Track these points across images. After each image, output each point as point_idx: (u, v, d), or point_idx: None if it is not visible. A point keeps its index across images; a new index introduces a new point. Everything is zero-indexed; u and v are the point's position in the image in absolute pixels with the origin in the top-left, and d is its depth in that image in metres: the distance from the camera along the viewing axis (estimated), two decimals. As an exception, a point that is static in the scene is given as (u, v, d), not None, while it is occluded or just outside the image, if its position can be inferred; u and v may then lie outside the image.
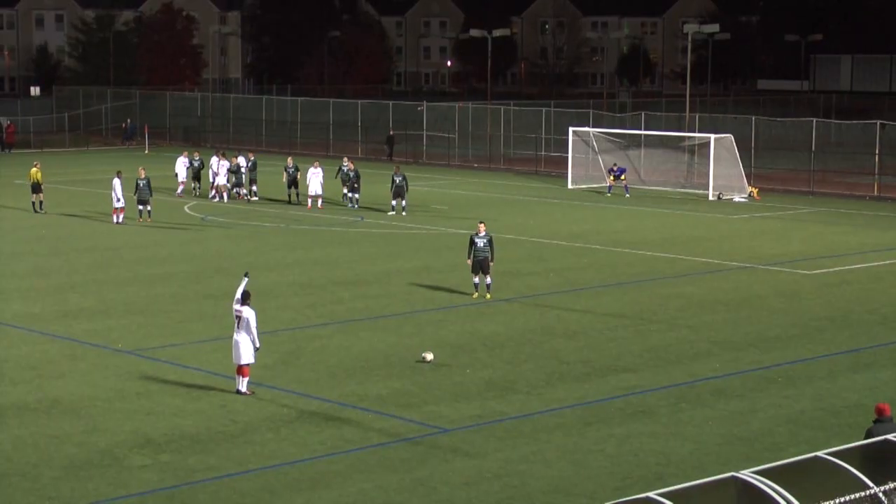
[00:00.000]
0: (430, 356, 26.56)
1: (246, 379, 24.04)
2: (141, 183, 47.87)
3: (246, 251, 41.51)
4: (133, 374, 25.78)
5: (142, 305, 32.51)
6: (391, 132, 77.79)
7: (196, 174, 57.03)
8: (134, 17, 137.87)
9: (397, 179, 50.55)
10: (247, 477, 19.75)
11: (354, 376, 25.62)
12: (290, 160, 55.29)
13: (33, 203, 50.82)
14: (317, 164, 53.36)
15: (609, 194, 58.22)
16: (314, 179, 52.16)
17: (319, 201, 52.34)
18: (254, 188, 55.69)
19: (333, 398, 24.04)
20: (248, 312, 23.79)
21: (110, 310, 31.98)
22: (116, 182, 47.06)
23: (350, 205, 52.47)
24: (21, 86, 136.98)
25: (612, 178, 59.06)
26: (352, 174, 52.42)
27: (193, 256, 40.52)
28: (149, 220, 47.75)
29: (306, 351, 27.70)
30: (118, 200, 46.99)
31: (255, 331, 23.82)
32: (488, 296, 33.50)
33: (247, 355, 23.87)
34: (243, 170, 55.65)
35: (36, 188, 50.77)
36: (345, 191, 52.99)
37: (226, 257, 40.23)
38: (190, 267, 38.42)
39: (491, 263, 33.58)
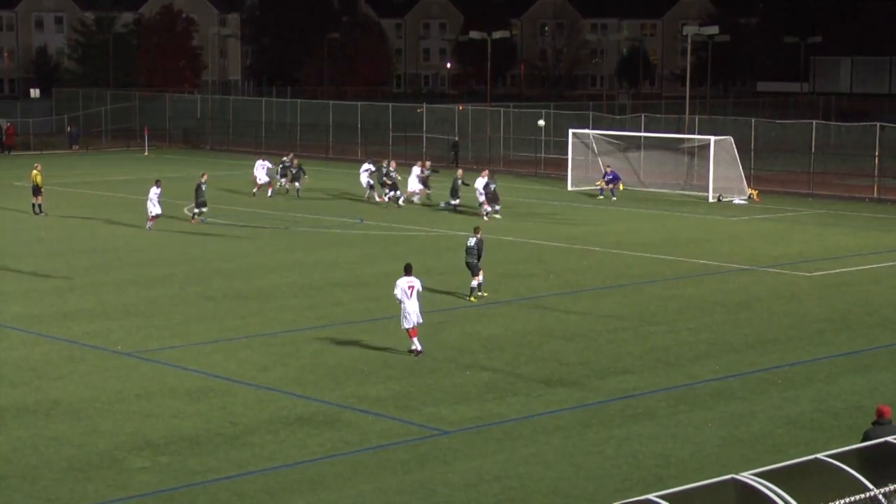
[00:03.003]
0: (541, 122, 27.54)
1: (416, 338, 27.22)
2: (203, 187, 47.99)
3: (245, 252, 41.52)
4: (133, 375, 25.78)
5: (141, 307, 32.51)
6: (456, 138, 76.29)
7: (295, 176, 57.45)
8: (133, 18, 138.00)
9: (493, 186, 50.38)
10: (246, 479, 19.75)
11: (354, 378, 25.63)
12: (392, 163, 55.86)
13: (33, 205, 50.80)
14: (421, 163, 55.74)
15: (601, 197, 58.17)
16: (414, 178, 54.02)
17: (416, 197, 53.63)
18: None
19: (333, 400, 24.05)
20: (417, 283, 27.19)
21: (110, 311, 31.97)
22: (154, 190, 46.12)
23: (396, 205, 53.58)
24: (20, 88, 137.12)
25: (603, 181, 58.99)
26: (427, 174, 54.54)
27: (193, 258, 40.51)
28: (192, 220, 47.79)
29: (305, 353, 27.70)
30: (155, 206, 45.97)
31: (420, 288, 27.40)
32: (477, 296, 33.62)
33: (418, 317, 27.10)
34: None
35: (36, 191, 50.73)
36: (398, 193, 53.74)
37: (225, 259, 40.23)
38: (189, 268, 38.41)
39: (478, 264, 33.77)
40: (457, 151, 75.13)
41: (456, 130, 78.90)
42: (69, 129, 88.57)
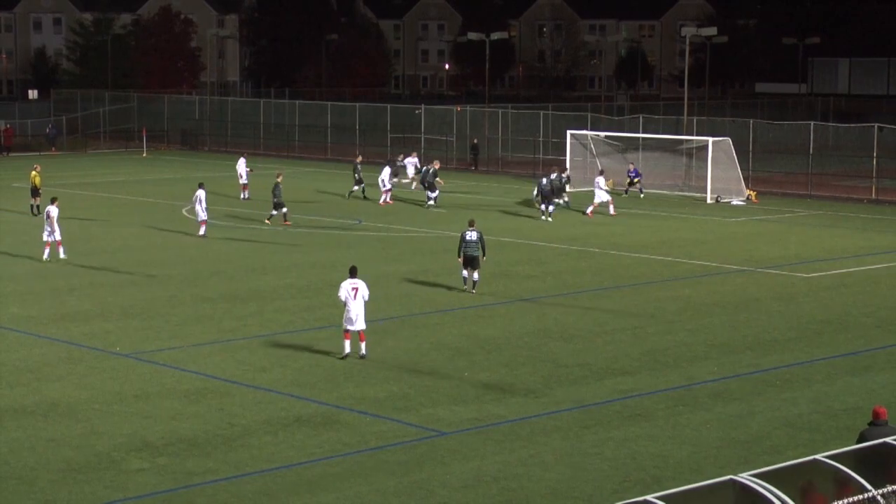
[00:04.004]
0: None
1: (364, 343, 26.99)
2: (280, 187, 48.02)
3: (243, 254, 41.49)
4: (131, 377, 25.77)
5: (139, 308, 32.50)
6: (475, 140, 75.72)
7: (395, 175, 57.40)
8: (132, 20, 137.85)
9: (544, 181, 51.08)
10: (244, 480, 19.74)
11: (352, 379, 25.62)
12: (436, 163, 56.26)
13: (31, 206, 50.75)
14: (558, 168, 55.90)
15: (626, 195, 58.50)
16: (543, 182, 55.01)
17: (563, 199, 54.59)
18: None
19: (331, 401, 24.04)
20: (362, 286, 26.97)
21: (108, 313, 31.96)
22: (201, 193, 44.84)
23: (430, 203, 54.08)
24: (19, 89, 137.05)
25: (627, 181, 59.22)
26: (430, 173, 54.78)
27: (191, 259, 40.48)
28: (286, 222, 47.79)
29: (303, 354, 27.69)
30: (204, 211, 44.68)
31: (367, 293, 27.15)
32: (474, 291, 33.99)
33: (362, 322, 26.86)
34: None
35: (35, 192, 50.67)
36: (429, 193, 54.50)
37: (223, 260, 40.20)
38: (187, 270, 38.39)
39: (483, 259, 34.37)
40: (476, 153, 74.75)
41: (453, 131, 78.86)
42: (48, 129, 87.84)
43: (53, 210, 39.87)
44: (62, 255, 39.62)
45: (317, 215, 51.46)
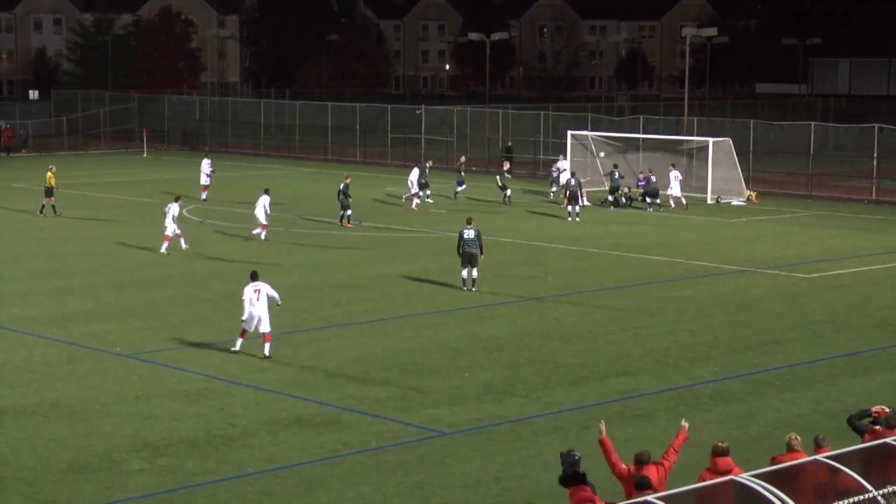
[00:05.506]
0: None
1: (268, 344, 27.07)
2: (348, 190, 48.06)
3: (243, 254, 41.47)
4: (131, 377, 25.77)
5: (140, 309, 32.50)
6: (509, 142, 75.25)
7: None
8: (132, 20, 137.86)
9: (572, 181, 51.38)
10: (245, 481, 19.74)
11: (352, 380, 25.62)
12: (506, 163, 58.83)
13: (42, 206, 50.48)
14: (652, 170, 56.30)
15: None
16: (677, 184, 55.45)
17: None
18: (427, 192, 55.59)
19: (331, 402, 24.04)
20: (265, 287, 27.22)
21: (108, 313, 31.96)
22: (265, 199, 43.85)
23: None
24: (19, 89, 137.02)
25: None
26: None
27: (191, 259, 40.47)
28: (348, 224, 47.72)
29: (304, 354, 27.69)
30: (265, 216, 43.84)
31: (275, 293, 27.40)
32: (474, 289, 34.29)
33: (266, 325, 26.95)
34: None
35: (48, 192, 50.48)
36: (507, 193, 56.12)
37: (224, 261, 40.19)
38: (187, 270, 38.38)
39: (481, 257, 34.80)
40: (511, 156, 74.10)
41: (454, 132, 78.84)
42: (21, 130, 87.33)
43: (175, 207, 41.47)
44: (184, 246, 41.20)
45: (318, 216, 51.43)
